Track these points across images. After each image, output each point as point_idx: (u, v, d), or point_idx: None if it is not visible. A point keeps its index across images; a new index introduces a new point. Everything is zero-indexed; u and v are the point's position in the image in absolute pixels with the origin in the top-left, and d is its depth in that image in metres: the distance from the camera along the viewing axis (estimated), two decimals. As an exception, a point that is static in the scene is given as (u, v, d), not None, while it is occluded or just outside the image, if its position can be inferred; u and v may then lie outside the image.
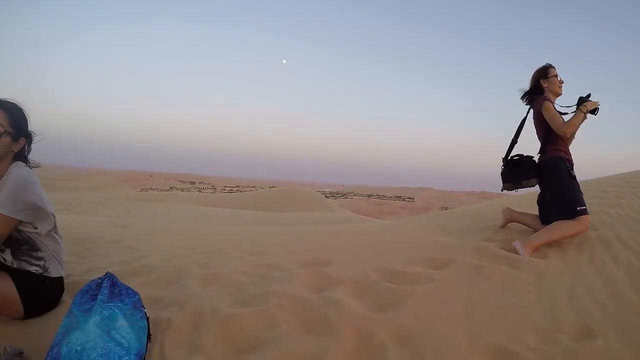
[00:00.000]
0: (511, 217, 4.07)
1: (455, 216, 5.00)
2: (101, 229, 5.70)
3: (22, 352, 2.14)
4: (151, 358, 2.13)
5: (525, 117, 3.88)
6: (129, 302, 2.22)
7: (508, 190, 3.87)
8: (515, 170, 3.80)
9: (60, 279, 2.66)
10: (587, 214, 3.43)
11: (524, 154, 3.86)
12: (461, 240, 3.64)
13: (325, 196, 32.91)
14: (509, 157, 3.90)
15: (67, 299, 2.69)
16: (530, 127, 3.88)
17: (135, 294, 2.29)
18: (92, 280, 2.33)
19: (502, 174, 3.88)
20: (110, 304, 2.16)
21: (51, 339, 2.20)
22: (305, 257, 3.57)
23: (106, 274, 2.36)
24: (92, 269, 3.45)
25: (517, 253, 3.28)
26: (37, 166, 2.56)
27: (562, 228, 3.39)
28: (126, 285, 2.32)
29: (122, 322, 2.10)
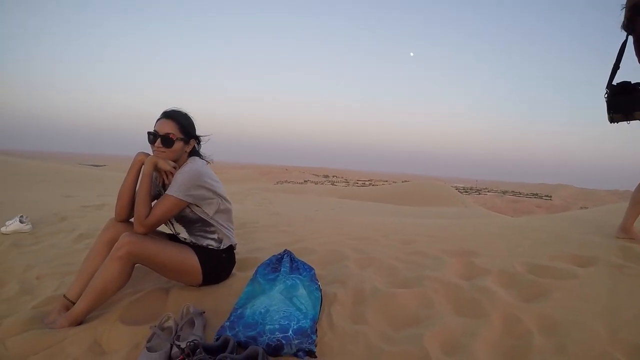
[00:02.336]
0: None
1: (599, 215, 4.81)
2: (256, 216, 6.25)
3: (203, 312, 2.45)
4: (322, 324, 2.39)
5: (626, 40, 3.24)
6: (306, 275, 2.57)
7: (617, 122, 3.29)
8: (628, 99, 3.20)
9: (232, 248, 2.98)
10: None
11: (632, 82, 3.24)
12: (606, 240, 3.50)
13: (459, 191, 32.17)
14: (617, 83, 3.27)
15: (236, 272, 3.09)
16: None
17: (311, 268, 2.64)
18: (273, 255, 2.73)
19: (610, 102, 3.28)
20: (292, 275, 2.52)
21: (224, 304, 2.59)
22: (452, 247, 3.72)
23: (285, 250, 2.74)
24: (256, 249, 3.87)
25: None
26: (211, 160, 2.94)
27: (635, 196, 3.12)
28: (302, 261, 2.68)
29: (301, 291, 2.43)
